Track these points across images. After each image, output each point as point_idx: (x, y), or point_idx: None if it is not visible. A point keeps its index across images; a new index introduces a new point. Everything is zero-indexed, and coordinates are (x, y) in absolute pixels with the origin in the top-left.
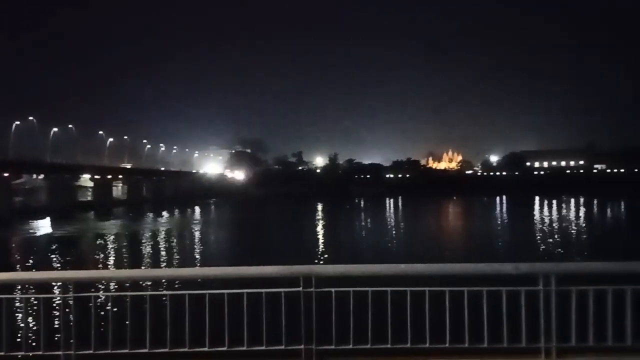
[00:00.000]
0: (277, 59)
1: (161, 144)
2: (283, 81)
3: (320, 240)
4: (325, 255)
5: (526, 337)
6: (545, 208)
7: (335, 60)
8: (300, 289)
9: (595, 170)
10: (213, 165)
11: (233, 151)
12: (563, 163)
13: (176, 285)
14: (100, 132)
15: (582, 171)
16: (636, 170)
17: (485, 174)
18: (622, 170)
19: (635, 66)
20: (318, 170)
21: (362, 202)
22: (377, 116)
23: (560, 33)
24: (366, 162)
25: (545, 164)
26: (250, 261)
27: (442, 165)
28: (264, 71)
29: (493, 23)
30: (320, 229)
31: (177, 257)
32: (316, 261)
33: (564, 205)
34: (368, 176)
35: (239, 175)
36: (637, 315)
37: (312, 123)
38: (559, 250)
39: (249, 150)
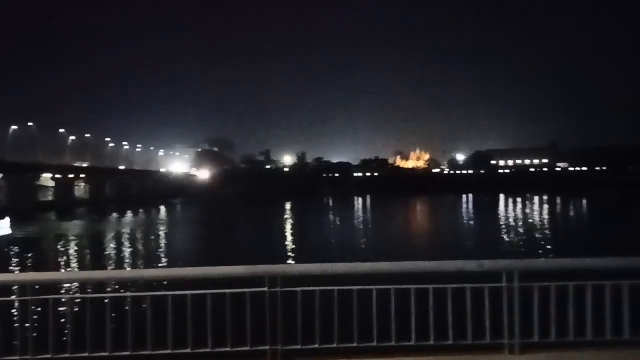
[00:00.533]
0: (244, 58)
1: (125, 143)
2: (250, 80)
3: (288, 240)
4: (293, 255)
5: (490, 334)
6: (511, 206)
7: (302, 60)
8: (266, 289)
9: (558, 169)
10: (179, 164)
11: (199, 150)
12: (527, 162)
13: (142, 286)
14: (62, 131)
15: (545, 170)
16: (597, 168)
17: (452, 172)
18: (584, 169)
19: (597, 66)
20: (286, 169)
21: (330, 201)
22: (345, 115)
23: (525, 34)
24: (335, 161)
25: (511, 163)
26: (216, 262)
27: (410, 164)
28: (231, 70)
29: (461, 23)
30: (288, 229)
31: (142, 258)
32: (289, 262)
33: (528, 203)
34: (337, 175)
35: (205, 174)
36: (597, 310)
37: (281, 122)
38: (523, 247)
39: (216, 149)
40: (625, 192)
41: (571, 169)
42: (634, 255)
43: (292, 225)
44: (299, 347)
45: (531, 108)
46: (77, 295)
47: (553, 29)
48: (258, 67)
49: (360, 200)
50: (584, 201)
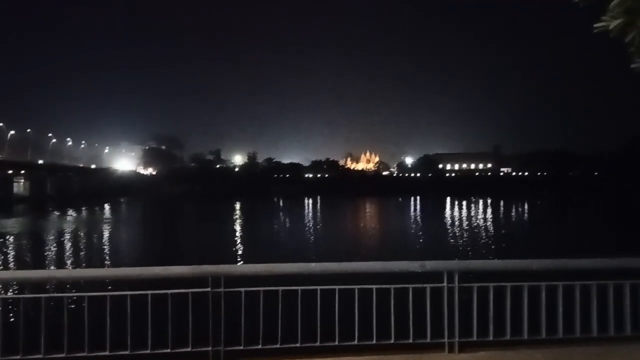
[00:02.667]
0: (194, 54)
1: (68, 138)
2: (200, 77)
3: (236, 240)
4: (240, 255)
5: (431, 333)
6: (456, 208)
7: (254, 59)
8: (209, 289)
9: (501, 173)
10: (125, 161)
11: (146, 147)
12: (473, 166)
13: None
14: (0, 124)
15: (489, 174)
16: (538, 173)
17: (400, 175)
18: (526, 174)
19: (539, 71)
20: (237, 169)
21: (281, 202)
22: (297, 116)
23: (475, 39)
24: (285, 161)
25: (457, 167)
26: (161, 262)
27: (360, 166)
28: (181, 67)
29: (411, 26)
30: (236, 229)
31: (84, 258)
32: (240, 262)
33: (472, 206)
34: (287, 175)
35: (152, 172)
36: (533, 309)
37: (232, 122)
38: (465, 248)
39: (163, 147)
40: (565, 195)
41: (514, 173)
42: (569, 257)
43: (241, 225)
44: (241, 347)
45: (476, 113)
46: (10, 295)
47: (499, 35)
48: (209, 66)
49: (310, 200)
50: (525, 204)
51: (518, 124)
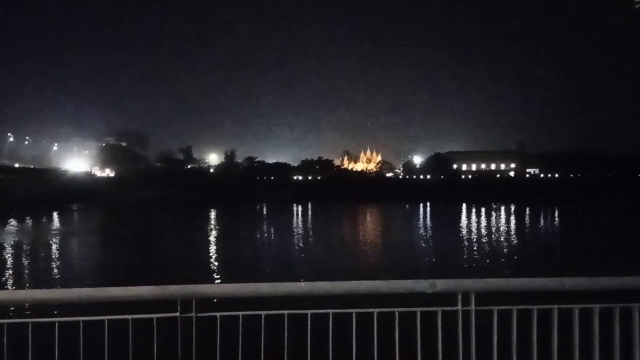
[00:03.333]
0: (156, 36)
1: (9, 134)
2: (164, 62)
3: (211, 256)
4: (216, 272)
5: None
6: (473, 216)
7: (229, 41)
8: (178, 314)
9: (527, 175)
10: (77, 161)
11: (103, 144)
12: (493, 166)
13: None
14: None
15: (512, 175)
16: (572, 175)
17: (407, 177)
18: (555, 175)
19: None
20: (212, 170)
21: (265, 208)
22: (283, 108)
23: (487, 32)
24: (270, 161)
25: (474, 167)
26: (120, 281)
27: (359, 166)
28: (142, 52)
29: (420, 19)
30: (211, 241)
31: (28, 277)
32: (212, 280)
33: (493, 214)
34: (272, 178)
35: (111, 173)
36: (564, 336)
37: (203, 113)
38: (484, 265)
39: (124, 144)
40: (602, 201)
41: (542, 175)
42: (608, 274)
43: (217, 236)
44: None
45: (497, 108)
46: None
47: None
48: (174, 48)
49: (300, 207)
50: (556, 211)
51: (543, 119)
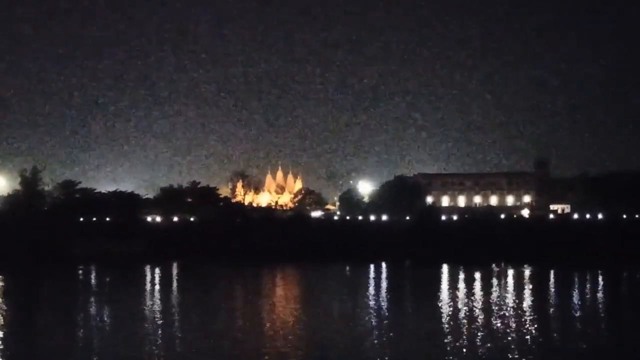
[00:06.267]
0: None
1: None
2: None
3: None
4: None
5: None
6: (461, 287)
7: None
8: None
9: (552, 214)
10: None
11: None
12: (494, 200)
13: None
14: None
15: (527, 214)
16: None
17: (347, 217)
18: (599, 216)
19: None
20: None
21: (92, 274)
22: (131, 104)
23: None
24: (105, 189)
25: (462, 201)
26: None
27: (263, 199)
28: None
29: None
30: None
31: None
32: None
33: (494, 282)
34: (108, 218)
35: None
36: None
37: None
38: None
39: None
40: None
41: (575, 215)
42: None
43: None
44: None
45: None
46: None
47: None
48: None
49: (158, 273)
50: (600, 278)
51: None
